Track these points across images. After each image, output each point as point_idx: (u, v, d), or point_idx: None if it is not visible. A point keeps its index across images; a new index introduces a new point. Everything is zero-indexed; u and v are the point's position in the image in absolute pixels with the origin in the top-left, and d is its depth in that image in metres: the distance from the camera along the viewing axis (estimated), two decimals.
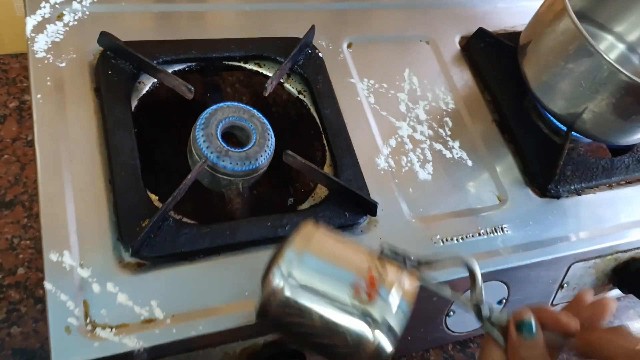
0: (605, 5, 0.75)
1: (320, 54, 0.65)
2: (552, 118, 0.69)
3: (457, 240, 0.57)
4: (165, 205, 0.48)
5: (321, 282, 0.36)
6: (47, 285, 0.45)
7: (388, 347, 0.37)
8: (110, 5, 0.62)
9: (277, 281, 0.36)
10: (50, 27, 0.57)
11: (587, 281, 0.66)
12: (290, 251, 0.37)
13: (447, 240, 0.57)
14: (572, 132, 0.66)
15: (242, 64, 0.63)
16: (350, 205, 0.55)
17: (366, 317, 0.36)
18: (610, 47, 0.77)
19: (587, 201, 0.66)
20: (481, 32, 0.74)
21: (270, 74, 0.63)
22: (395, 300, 0.37)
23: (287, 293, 0.36)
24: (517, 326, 0.39)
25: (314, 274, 0.36)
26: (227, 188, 0.57)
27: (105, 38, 0.55)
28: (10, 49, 0.72)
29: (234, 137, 0.59)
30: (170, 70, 0.60)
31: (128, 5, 0.62)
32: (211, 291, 0.48)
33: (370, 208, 0.55)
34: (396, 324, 0.37)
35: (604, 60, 0.58)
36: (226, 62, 0.62)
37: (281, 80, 0.63)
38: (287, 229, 0.52)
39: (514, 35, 0.74)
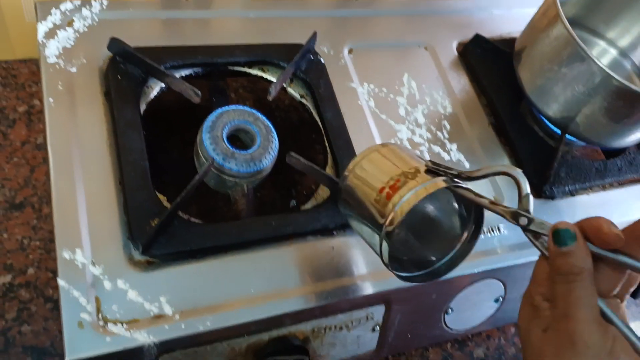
0: (597, 12, 0.77)
1: (322, 60, 0.67)
2: (546, 121, 0.71)
3: None
4: (174, 204, 0.50)
5: (364, 181, 0.48)
6: (60, 282, 0.46)
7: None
8: (119, 12, 0.63)
9: (345, 173, 0.50)
10: (61, 33, 0.59)
11: None
12: (359, 156, 0.50)
13: None
14: (566, 135, 0.68)
15: (246, 69, 0.65)
16: None
17: (378, 212, 0.45)
18: (602, 53, 0.79)
19: (581, 202, 0.68)
20: (478, 38, 0.76)
21: (274, 79, 0.65)
22: (409, 194, 0.43)
23: (347, 181, 0.49)
24: (553, 235, 0.37)
25: (364, 173, 0.48)
26: (232, 189, 0.59)
27: (115, 44, 0.57)
28: (20, 55, 0.74)
29: (239, 140, 0.61)
30: (177, 76, 0.62)
31: (136, 12, 0.64)
32: (218, 288, 0.50)
33: None
34: (403, 209, 0.43)
35: (596, 65, 0.60)
36: (231, 68, 0.64)
37: (284, 85, 0.65)
38: (291, 228, 0.54)
39: (510, 42, 0.76)
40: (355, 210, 0.48)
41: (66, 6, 0.61)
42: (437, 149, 0.66)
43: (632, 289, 0.39)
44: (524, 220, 0.40)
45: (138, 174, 0.52)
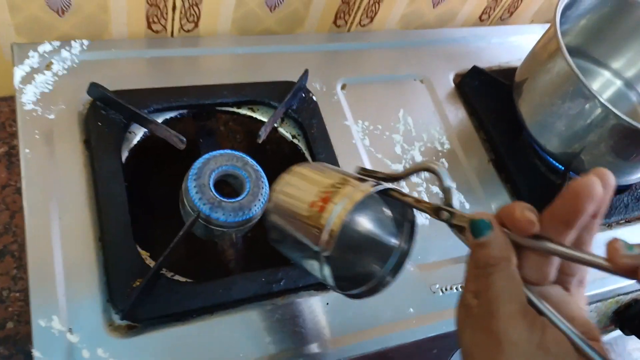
0: (602, 41, 0.74)
1: (314, 97, 0.65)
2: (548, 157, 0.68)
3: (456, 289, 0.56)
4: (157, 265, 0.47)
5: (290, 200, 0.44)
6: (35, 352, 0.43)
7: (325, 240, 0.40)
8: (101, 52, 0.61)
9: (270, 192, 0.47)
10: (39, 77, 0.56)
11: None
12: (280, 178, 0.46)
13: (446, 289, 0.56)
14: (570, 172, 0.65)
15: (235, 109, 0.62)
16: None
17: (313, 225, 0.41)
18: (607, 84, 0.77)
19: None
20: (475, 70, 0.73)
21: (264, 119, 0.62)
22: (338, 208, 0.40)
23: (271, 205, 0.46)
24: (470, 227, 0.35)
25: (292, 189, 0.45)
26: (220, 238, 0.56)
27: (94, 89, 0.54)
28: (0, 92, 0.71)
29: (227, 184, 0.58)
30: (162, 118, 0.59)
31: (119, 52, 0.62)
32: (205, 352, 0.47)
33: None
34: (336, 226, 0.40)
35: (599, 102, 0.57)
36: (219, 108, 0.61)
37: (275, 125, 0.62)
38: (282, 284, 0.51)
39: (509, 72, 0.74)
40: (285, 233, 0.45)
41: (44, 48, 0.58)
42: (435, 189, 0.63)
43: (575, 275, 0.35)
44: (445, 215, 0.37)
45: (119, 230, 0.49)
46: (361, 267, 0.47)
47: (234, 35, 0.70)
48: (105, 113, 0.55)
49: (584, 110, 0.60)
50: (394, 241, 0.46)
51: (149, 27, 0.66)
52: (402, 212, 0.45)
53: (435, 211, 0.38)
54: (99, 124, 0.54)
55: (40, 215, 0.49)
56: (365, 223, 0.49)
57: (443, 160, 0.66)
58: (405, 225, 0.46)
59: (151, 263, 0.50)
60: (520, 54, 0.79)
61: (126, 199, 0.51)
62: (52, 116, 0.55)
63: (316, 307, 0.52)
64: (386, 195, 0.42)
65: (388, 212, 0.47)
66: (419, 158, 0.65)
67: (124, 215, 0.50)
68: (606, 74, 0.77)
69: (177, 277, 0.50)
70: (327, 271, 0.41)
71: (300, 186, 0.44)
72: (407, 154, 0.65)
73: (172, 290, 0.48)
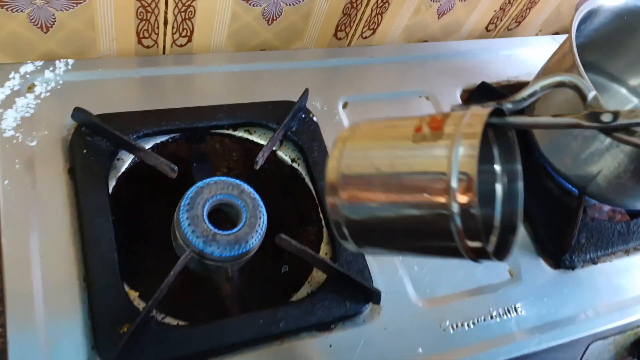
0: (619, 57, 0.71)
1: (314, 118, 0.61)
2: (562, 180, 0.64)
3: (467, 325, 0.53)
4: (146, 309, 0.43)
5: (377, 139, 0.31)
6: None
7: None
8: (87, 72, 0.57)
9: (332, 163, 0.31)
10: (20, 101, 0.53)
11: (605, 358, 0.61)
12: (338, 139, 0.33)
13: (457, 326, 0.52)
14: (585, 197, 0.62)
15: (231, 132, 0.58)
16: (351, 292, 0.50)
17: (434, 147, 0.28)
18: (623, 101, 0.73)
19: (604, 270, 0.61)
20: (484, 86, 0.70)
21: (262, 142, 0.58)
22: (463, 123, 0.28)
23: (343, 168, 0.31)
24: None
25: (367, 140, 0.31)
26: (215, 273, 0.52)
27: (78, 114, 0.50)
28: None
29: (222, 212, 0.54)
30: (153, 143, 0.55)
31: (106, 72, 0.58)
32: None
33: (373, 296, 0.50)
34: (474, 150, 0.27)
35: None
36: (214, 131, 0.58)
37: (274, 149, 0.59)
38: (282, 325, 0.47)
39: (519, 87, 0.70)
40: (374, 213, 0.30)
41: (26, 68, 0.55)
42: None
43: None
44: (607, 117, 0.30)
45: (105, 268, 0.46)
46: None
47: (229, 52, 0.66)
48: (91, 139, 0.51)
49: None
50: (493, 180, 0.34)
51: (140, 42, 0.62)
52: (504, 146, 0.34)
53: (590, 117, 0.30)
54: (84, 151, 0.51)
55: (20, 253, 0.46)
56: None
57: None
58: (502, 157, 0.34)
59: (140, 304, 0.46)
60: (528, 67, 0.76)
61: (113, 234, 0.47)
62: (33, 143, 0.51)
63: (319, 350, 0.48)
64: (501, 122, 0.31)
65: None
66: None
67: (111, 253, 0.46)
68: (622, 91, 0.73)
69: (168, 319, 0.46)
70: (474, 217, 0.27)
71: (375, 137, 0.31)
72: None
73: (163, 336, 0.44)
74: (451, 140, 0.27)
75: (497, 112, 0.31)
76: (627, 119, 0.29)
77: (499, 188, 0.34)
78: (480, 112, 0.28)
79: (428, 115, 0.30)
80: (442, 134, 0.27)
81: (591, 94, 0.31)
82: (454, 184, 0.26)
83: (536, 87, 0.32)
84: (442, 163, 0.26)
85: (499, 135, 0.33)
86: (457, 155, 0.26)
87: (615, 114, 0.30)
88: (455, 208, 0.27)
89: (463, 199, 0.26)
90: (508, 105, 0.32)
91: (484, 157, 0.33)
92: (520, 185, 0.34)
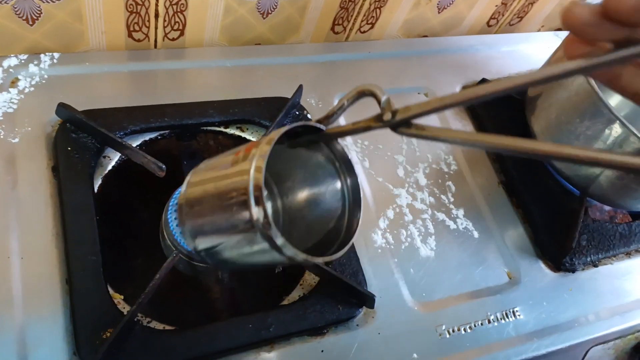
0: None
1: (308, 115, 0.59)
2: (563, 180, 0.63)
3: (464, 330, 0.51)
4: (130, 313, 0.42)
5: (211, 168, 0.37)
6: None
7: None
8: (73, 66, 0.55)
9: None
10: (2, 96, 0.51)
11: None
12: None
13: (453, 331, 0.51)
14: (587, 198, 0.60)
15: (222, 129, 0.57)
16: (344, 296, 0.49)
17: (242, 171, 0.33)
18: (627, 101, 0.71)
19: (605, 273, 0.60)
20: (484, 82, 0.68)
21: (254, 139, 0.57)
22: (255, 151, 0.33)
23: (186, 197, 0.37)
24: None
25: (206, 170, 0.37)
26: (204, 275, 0.51)
27: (62, 110, 0.49)
28: None
29: None
30: (141, 140, 0.53)
31: (94, 66, 0.56)
32: None
33: (367, 300, 0.49)
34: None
35: (620, 123, 0.52)
36: (204, 128, 0.56)
37: None
38: (272, 330, 0.46)
39: None
40: (217, 228, 0.35)
41: (10, 62, 0.53)
42: (441, 216, 0.58)
43: None
44: (387, 116, 0.33)
45: (88, 271, 0.44)
46: (319, 226, 0.40)
47: (222, 46, 0.64)
48: (76, 136, 0.49)
49: (602, 130, 0.55)
50: (338, 186, 0.40)
51: (130, 35, 0.60)
52: (337, 154, 0.39)
53: (377, 119, 0.34)
54: (69, 148, 0.49)
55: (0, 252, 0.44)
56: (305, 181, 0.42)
57: (450, 183, 0.61)
58: (342, 167, 0.39)
59: (125, 308, 0.44)
60: (530, 64, 0.74)
61: (97, 235, 0.45)
62: (16, 140, 0.49)
63: (311, 356, 0.46)
64: (312, 137, 0.36)
65: (325, 160, 0.40)
66: (423, 182, 0.60)
67: (95, 255, 0.45)
68: None
69: (154, 324, 0.45)
70: (280, 240, 0.31)
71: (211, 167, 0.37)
72: (411, 176, 0.60)
73: (148, 341, 0.43)
74: (252, 157, 0.32)
75: (315, 130, 0.36)
76: (403, 115, 0.32)
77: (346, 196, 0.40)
78: (277, 132, 0.33)
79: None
80: (249, 155, 0.33)
81: (384, 98, 0.34)
82: (251, 193, 0.31)
83: (343, 101, 0.36)
84: (245, 178, 0.32)
85: (335, 151, 0.38)
86: (252, 168, 0.31)
87: (394, 112, 0.33)
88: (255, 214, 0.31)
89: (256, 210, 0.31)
90: (321, 124, 0.37)
91: (328, 174, 0.39)
92: (354, 184, 0.39)
